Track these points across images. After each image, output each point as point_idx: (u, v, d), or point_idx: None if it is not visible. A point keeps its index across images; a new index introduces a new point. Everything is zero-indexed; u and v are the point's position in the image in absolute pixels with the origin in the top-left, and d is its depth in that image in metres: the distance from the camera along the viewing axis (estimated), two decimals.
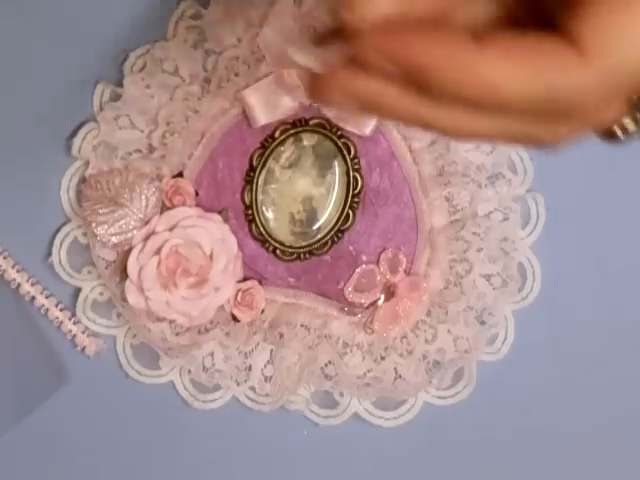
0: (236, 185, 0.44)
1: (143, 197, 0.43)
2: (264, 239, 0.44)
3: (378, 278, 0.44)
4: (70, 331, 0.45)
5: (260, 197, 0.44)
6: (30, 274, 0.45)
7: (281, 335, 0.44)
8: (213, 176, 0.44)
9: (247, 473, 0.46)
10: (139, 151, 0.44)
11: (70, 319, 0.45)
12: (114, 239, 0.43)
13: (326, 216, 0.44)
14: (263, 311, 0.44)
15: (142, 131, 0.43)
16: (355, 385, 0.44)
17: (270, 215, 0.44)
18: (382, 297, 0.44)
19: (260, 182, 0.44)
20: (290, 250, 0.44)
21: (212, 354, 0.44)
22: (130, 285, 0.42)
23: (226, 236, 0.43)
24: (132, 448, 0.46)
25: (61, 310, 0.45)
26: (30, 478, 0.46)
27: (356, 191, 0.44)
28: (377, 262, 0.44)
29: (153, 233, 0.43)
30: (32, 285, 0.45)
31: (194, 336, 0.44)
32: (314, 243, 0.44)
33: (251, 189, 0.44)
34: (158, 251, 0.42)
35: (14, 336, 0.45)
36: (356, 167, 0.44)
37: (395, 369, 0.44)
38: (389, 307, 0.44)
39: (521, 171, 0.44)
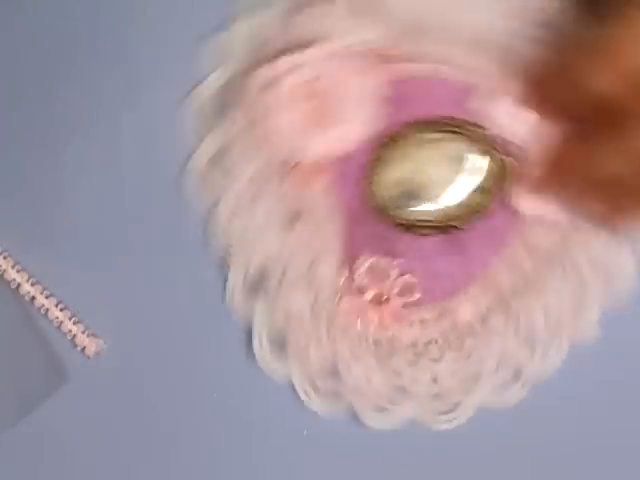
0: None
1: None
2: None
3: None
4: (70, 331, 0.45)
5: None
6: (30, 274, 0.45)
7: None
8: None
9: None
10: None
11: (70, 319, 0.45)
12: None
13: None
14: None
15: None
16: None
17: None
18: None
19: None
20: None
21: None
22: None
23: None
24: (132, 448, 0.46)
25: (61, 310, 0.45)
26: (30, 478, 0.46)
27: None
28: None
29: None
30: (32, 285, 0.45)
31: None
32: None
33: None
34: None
35: (14, 336, 0.45)
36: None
37: None
38: None
39: None
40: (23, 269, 0.45)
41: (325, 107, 0.41)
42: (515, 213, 0.43)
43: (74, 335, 0.45)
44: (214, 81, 0.43)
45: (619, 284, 0.43)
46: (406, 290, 0.43)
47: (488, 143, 0.42)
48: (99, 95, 0.45)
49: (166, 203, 0.45)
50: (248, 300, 0.44)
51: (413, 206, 0.43)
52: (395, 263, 0.43)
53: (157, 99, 0.44)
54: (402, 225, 0.43)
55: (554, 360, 0.43)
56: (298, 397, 0.44)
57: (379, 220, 0.43)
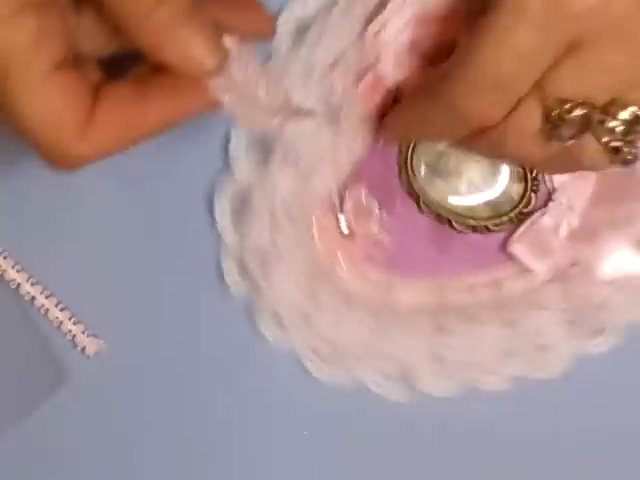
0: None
1: None
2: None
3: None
4: (70, 331, 0.45)
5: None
6: (30, 274, 0.45)
7: None
8: None
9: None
10: None
11: (70, 319, 0.45)
12: None
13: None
14: None
15: None
16: None
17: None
18: None
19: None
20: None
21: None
22: None
23: None
24: (132, 448, 0.46)
25: (61, 310, 0.45)
26: (30, 478, 0.46)
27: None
28: None
29: None
30: (32, 285, 0.45)
31: None
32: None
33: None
34: None
35: (14, 336, 0.45)
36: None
37: None
38: None
39: None
40: (23, 269, 0.45)
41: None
42: (506, 246, 0.43)
43: (74, 335, 0.45)
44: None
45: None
46: (375, 244, 0.43)
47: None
48: None
49: (166, 204, 0.45)
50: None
51: (433, 182, 0.43)
52: (383, 216, 0.43)
53: None
54: (412, 194, 0.43)
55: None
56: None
57: (400, 173, 0.43)
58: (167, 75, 0.33)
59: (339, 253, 0.43)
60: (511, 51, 0.32)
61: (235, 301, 0.45)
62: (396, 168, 0.43)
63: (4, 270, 0.45)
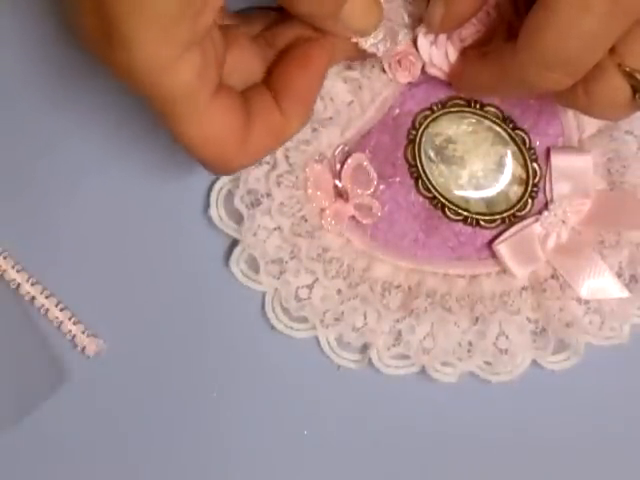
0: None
1: None
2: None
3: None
4: (70, 331, 0.45)
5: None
6: (30, 274, 0.45)
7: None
8: None
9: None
10: None
11: (70, 319, 0.45)
12: None
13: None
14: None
15: None
16: None
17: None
18: None
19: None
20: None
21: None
22: None
23: None
24: (132, 448, 0.46)
25: (61, 310, 0.45)
26: (30, 478, 0.46)
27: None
28: None
29: None
30: (32, 285, 0.45)
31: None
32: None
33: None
34: None
35: (14, 336, 0.45)
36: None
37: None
38: None
39: None
40: (23, 269, 0.45)
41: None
42: (492, 244, 0.44)
43: (74, 335, 0.45)
44: None
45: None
46: (364, 209, 0.44)
47: (530, 157, 0.43)
48: (102, 96, 0.45)
49: (167, 205, 0.45)
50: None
51: (437, 166, 0.43)
52: (379, 188, 0.44)
53: None
54: (414, 173, 0.43)
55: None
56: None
57: (407, 151, 0.43)
58: (288, 69, 0.37)
59: (328, 211, 0.43)
60: (576, 38, 0.34)
61: (238, 303, 0.45)
62: (404, 145, 0.43)
63: (4, 270, 0.45)
